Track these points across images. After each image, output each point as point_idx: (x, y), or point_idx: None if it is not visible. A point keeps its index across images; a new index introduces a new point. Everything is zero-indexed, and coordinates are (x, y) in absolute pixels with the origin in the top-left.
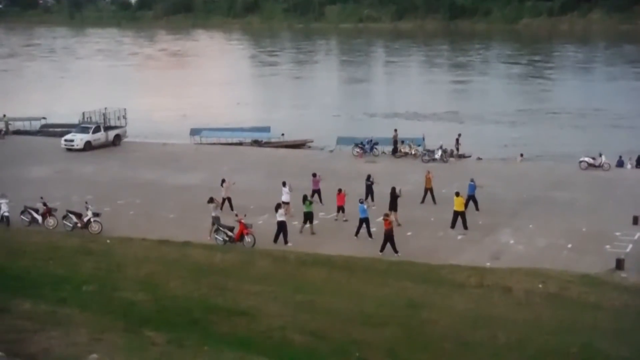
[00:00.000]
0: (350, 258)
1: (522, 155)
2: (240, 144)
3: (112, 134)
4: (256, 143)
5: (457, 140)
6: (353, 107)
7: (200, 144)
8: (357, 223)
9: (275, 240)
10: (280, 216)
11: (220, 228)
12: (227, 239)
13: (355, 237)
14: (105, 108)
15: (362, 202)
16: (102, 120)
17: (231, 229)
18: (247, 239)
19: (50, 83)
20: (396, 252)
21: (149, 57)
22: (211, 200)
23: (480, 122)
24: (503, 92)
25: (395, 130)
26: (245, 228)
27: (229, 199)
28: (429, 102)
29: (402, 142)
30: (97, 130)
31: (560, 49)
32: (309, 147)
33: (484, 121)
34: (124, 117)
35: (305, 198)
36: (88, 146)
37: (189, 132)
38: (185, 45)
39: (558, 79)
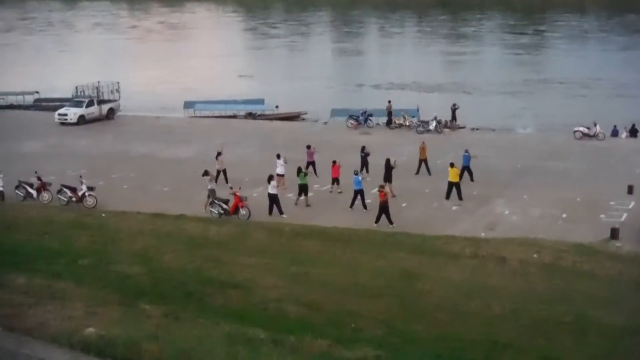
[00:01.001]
0: (345, 230)
1: (493, 129)
2: (234, 116)
3: (105, 107)
4: (250, 115)
5: (454, 111)
6: (348, 78)
7: (194, 117)
8: (351, 195)
9: (270, 212)
10: (271, 189)
11: (215, 201)
12: (222, 211)
13: (350, 209)
14: (99, 82)
15: (356, 174)
16: (96, 94)
17: (226, 202)
18: (242, 211)
19: (50, 57)
20: (391, 223)
21: (148, 30)
22: (206, 173)
23: (480, 93)
24: (503, 63)
25: (389, 101)
26: (240, 201)
27: (224, 172)
28: (427, 73)
29: (404, 114)
30: (90, 104)
31: (562, 18)
32: (303, 119)
33: (483, 92)
34: (117, 91)
35: (299, 170)
36: (82, 120)
37: (183, 105)
38: (182, 17)
39: (561, 48)
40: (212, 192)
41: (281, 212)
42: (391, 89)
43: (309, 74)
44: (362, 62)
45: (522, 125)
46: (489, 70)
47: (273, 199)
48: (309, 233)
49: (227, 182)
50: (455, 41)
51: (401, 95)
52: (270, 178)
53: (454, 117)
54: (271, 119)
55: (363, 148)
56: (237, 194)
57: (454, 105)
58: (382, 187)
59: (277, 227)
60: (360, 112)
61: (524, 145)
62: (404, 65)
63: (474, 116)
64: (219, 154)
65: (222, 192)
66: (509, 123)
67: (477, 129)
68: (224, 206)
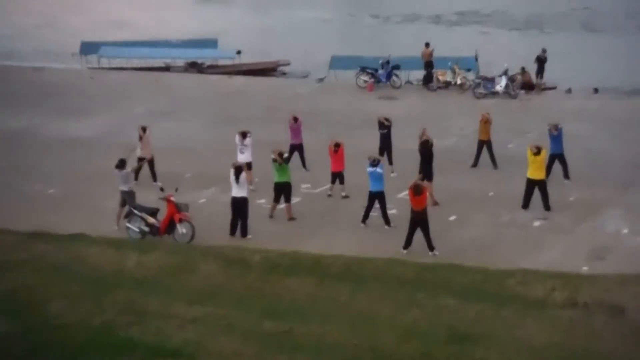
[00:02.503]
0: (354, 260)
1: (595, 90)
2: (168, 68)
3: None
4: (194, 67)
5: (541, 61)
6: (357, 5)
7: (99, 68)
8: (364, 201)
9: (232, 230)
10: (238, 188)
11: (135, 212)
12: (146, 229)
13: (362, 225)
14: None
15: (374, 165)
16: None
17: (154, 213)
18: (181, 229)
19: None
20: (431, 248)
21: None
22: (121, 163)
23: (578, 29)
24: None
25: (427, 44)
26: (177, 211)
27: (151, 162)
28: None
29: (454, 66)
30: None
31: None
32: (284, 73)
33: (582, 27)
34: None
35: (278, 158)
36: None
37: (79, 49)
38: None
39: None
40: (129, 197)
41: (245, 233)
42: (432, 23)
43: None
44: None
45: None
46: None
47: (239, 208)
48: (293, 265)
49: (154, 179)
50: None
51: (449, 34)
52: (237, 172)
53: (540, 71)
54: (230, 73)
55: (383, 122)
56: (172, 199)
57: (543, 51)
58: (416, 187)
59: (241, 255)
60: (380, 61)
61: None
62: None
63: (572, 70)
64: (142, 131)
65: (148, 197)
66: (632, 82)
67: (574, 92)
68: (150, 220)
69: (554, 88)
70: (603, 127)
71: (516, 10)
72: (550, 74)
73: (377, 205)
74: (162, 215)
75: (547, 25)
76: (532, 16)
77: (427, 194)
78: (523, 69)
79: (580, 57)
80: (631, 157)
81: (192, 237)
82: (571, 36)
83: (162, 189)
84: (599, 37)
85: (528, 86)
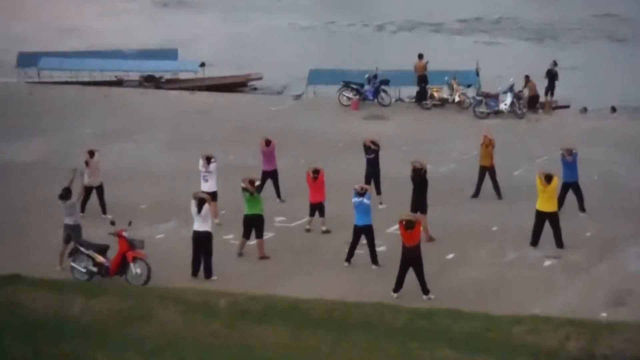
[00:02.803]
0: (337, 304)
1: (613, 108)
2: (120, 83)
3: None
4: (151, 81)
5: (552, 75)
6: (342, 10)
7: (39, 82)
8: (348, 236)
9: (194, 270)
10: (201, 222)
11: (82, 249)
12: (94, 269)
13: (345, 264)
14: None
15: (361, 194)
16: None
17: (103, 250)
18: (135, 269)
19: None
20: (426, 292)
21: None
22: (66, 193)
23: (598, 39)
24: None
25: (421, 56)
26: (130, 248)
27: (99, 190)
28: (495, 4)
29: (452, 80)
30: None
31: None
32: (255, 88)
33: (604, 37)
34: None
35: (249, 187)
36: None
37: (16, 60)
38: None
39: None
40: (74, 232)
41: (209, 274)
42: (428, 31)
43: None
44: None
45: None
46: None
47: (202, 244)
48: (265, 311)
49: (104, 211)
50: None
51: (447, 45)
52: (200, 203)
53: (550, 87)
54: (192, 89)
55: (370, 146)
56: (125, 235)
57: (554, 64)
58: (407, 220)
59: (204, 299)
60: (366, 76)
61: None
62: None
63: (589, 85)
64: (90, 155)
65: (96, 232)
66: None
67: (590, 111)
68: (99, 259)
69: (567, 107)
70: (623, 151)
71: (528, 17)
72: (564, 91)
73: (363, 241)
74: (113, 253)
75: (563, 35)
76: (546, 24)
77: (421, 228)
78: (527, 77)
79: (598, 71)
80: None
81: (148, 278)
82: (590, 47)
83: (112, 223)
84: (621, 48)
85: (532, 100)
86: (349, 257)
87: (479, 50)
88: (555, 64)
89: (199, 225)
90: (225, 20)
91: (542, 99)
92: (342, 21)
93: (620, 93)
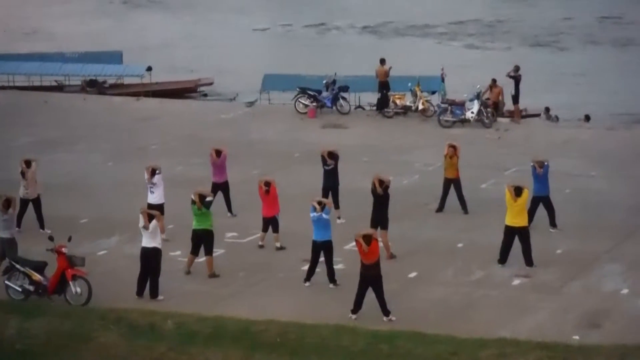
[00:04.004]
0: (291, 326)
1: (587, 117)
2: (61, 87)
3: None
4: (93, 86)
5: (517, 81)
6: (297, 13)
7: None
8: (303, 253)
9: (140, 290)
10: (149, 238)
11: (17, 266)
12: (31, 288)
13: (306, 284)
14: None
15: (319, 208)
16: None
17: (41, 268)
18: (75, 287)
19: None
20: (387, 313)
21: None
22: (7, 203)
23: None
24: None
25: (383, 61)
26: (69, 266)
27: (36, 203)
28: (458, 6)
29: (415, 88)
30: None
31: None
32: (205, 94)
33: (555, 43)
34: None
35: (198, 200)
36: None
37: None
38: None
39: None
40: (9, 247)
41: (155, 294)
42: (389, 35)
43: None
44: None
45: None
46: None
47: (149, 261)
48: (215, 334)
49: (41, 225)
50: None
51: (411, 50)
52: (149, 219)
53: (516, 94)
54: (138, 95)
55: (327, 157)
56: (64, 251)
57: (516, 69)
58: (365, 236)
59: (150, 320)
60: (324, 81)
61: None
62: None
63: (559, 92)
64: (26, 165)
65: (33, 248)
66: (625, 107)
67: (559, 119)
68: (36, 277)
69: (537, 115)
70: (597, 163)
71: (492, 19)
72: (539, 98)
73: (321, 258)
74: (51, 270)
75: (539, 38)
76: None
77: (381, 244)
78: (494, 81)
79: (577, 78)
80: (631, 199)
81: (89, 297)
82: (550, 51)
83: (51, 238)
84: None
85: (494, 106)
86: (309, 275)
87: (445, 55)
88: (517, 69)
89: (147, 242)
90: (175, 21)
91: (507, 106)
92: (298, 23)
93: (598, 102)
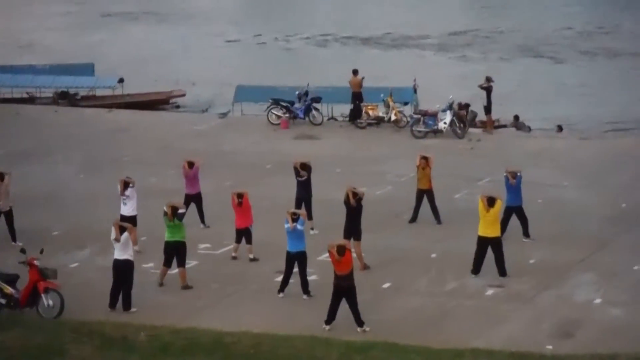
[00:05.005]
0: (265, 337)
1: (560, 127)
2: (32, 99)
3: None
4: (65, 98)
5: (488, 91)
6: (270, 25)
7: None
8: (277, 264)
9: (112, 302)
10: (121, 250)
11: None
12: (2, 300)
13: (280, 295)
14: None
15: (293, 220)
16: None
17: (12, 280)
18: (47, 300)
19: None
20: (360, 323)
21: None
22: None
23: (527, 56)
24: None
25: (356, 72)
26: (41, 278)
27: (8, 216)
28: (431, 16)
29: (387, 98)
30: None
31: None
32: (177, 106)
33: (531, 53)
34: None
35: (170, 212)
36: None
37: None
38: None
39: None
40: None
41: (128, 306)
42: (362, 44)
43: (190, 11)
44: None
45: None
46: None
47: (121, 273)
48: (188, 346)
49: (13, 238)
50: None
51: (382, 60)
52: (121, 230)
53: (488, 105)
54: (110, 107)
55: (300, 169)
56: (36, 263)
57: (488, 80)
58: (338, 247)
59: (123, 333)
60: (297, 92)
61: (633, 163)
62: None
63: (532, 103)
64: (0, 177)
65: (4, 260)
66: (600, 117)
67: (532, 129)
68: (7, 290)
69: (506, 126)
70: (569, 173)
71: (473, 29)
72: (513, 109)
73: (295, 269)
74: (23, 283)
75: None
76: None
77: (354, 255)
78: (467, 105)
79: (537, 89)
80: (604, 209)
81: (61, 310)
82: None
83: (23, 251)
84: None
85: (459, 118)
86: (283, 286)
87: (417, 66)
88: (488, 80)
89: (119, 254)
90: (147, 33)
91: (479, 117)
92: (270, 34)
93: (570, 112)
